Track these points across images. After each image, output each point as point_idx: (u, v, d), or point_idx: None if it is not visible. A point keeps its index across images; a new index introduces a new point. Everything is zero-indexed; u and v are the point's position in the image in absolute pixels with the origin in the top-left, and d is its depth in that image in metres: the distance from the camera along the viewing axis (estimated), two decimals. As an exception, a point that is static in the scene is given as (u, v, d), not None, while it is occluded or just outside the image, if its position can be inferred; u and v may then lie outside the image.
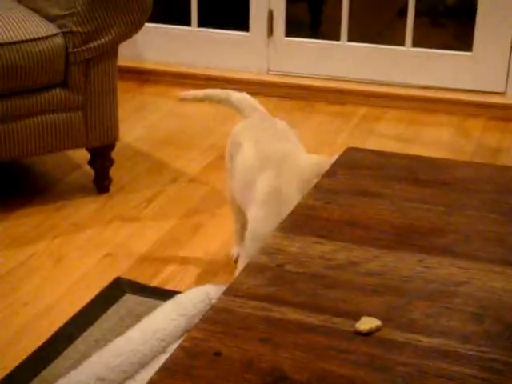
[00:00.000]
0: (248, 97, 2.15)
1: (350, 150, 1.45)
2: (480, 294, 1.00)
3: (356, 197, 1.26)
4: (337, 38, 3.37)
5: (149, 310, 1.82)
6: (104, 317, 1.87)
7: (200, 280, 2.03)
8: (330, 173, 1.35)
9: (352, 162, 1.39)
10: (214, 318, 0.94)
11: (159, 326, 1.69)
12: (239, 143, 1.94)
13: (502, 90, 3.17)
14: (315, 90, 3.33)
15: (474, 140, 2.97)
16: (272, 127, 1.98)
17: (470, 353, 0.89)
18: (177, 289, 1.98)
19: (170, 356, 0.86)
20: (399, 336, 0.91)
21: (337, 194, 1.27)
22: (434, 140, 2.98)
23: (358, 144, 2.84)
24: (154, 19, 3.33)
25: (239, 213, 2.04)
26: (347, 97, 3.30)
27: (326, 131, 3.06)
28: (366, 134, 3.04)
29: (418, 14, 3.29)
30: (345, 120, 3.17)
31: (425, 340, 0.90)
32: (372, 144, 2.92)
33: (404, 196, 1.26)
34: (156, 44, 3.56)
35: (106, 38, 2.31)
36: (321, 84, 3.34)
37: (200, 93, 2.25)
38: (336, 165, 1.38)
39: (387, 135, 3.04)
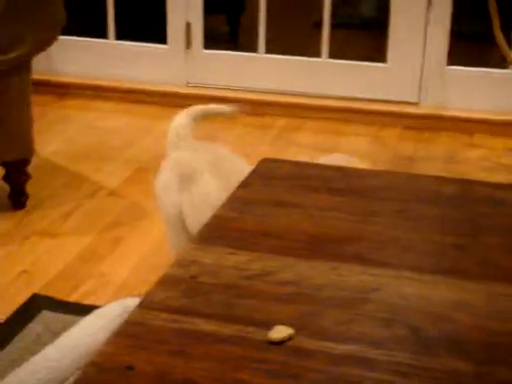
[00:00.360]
0: (183, 124, 2.06)
1: (265, 161, 1.46)
2: (391, 300, 1.02)
3: (270, 207, 1.27)
4: (256, 49, 3.40)
5: (67, 326, 1.79)
6: (20, 335, 1.83)
7: (120, 294, 2.02)
8: (245, 184, 1.36)
9: (267, 173, 1.41)
10: (126, 332, 0.93)
11: (77, 342, 1.66)
12: (194, 175, 1.88)
13: (415, 100, 3.25)
14: (234, 101, 3.34)
15: (389, 149, 3.04)
16: (224, 155, 1.95)
17: (381, 358, 0.90)
18: (96, 303, 1.95)
19: (81, 372, 0.85)
20: (311, 344, 0.92)
21: (251, 204, 1.28)
22: (352, 149, 3.04)
23: (278, 155, 2.87)
24: (71, 32, 3.30)
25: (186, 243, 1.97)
26: (266, 108, 3.32)
27: (247, 143, 3.08)
28: (285, 144, 3.08)
29: (335, 25, 3.35)
30: (265, 131, 3.19)
31: (336, 347, 0.91)
32: (292, 154, 2.95)
33: (317, 205, 1.27)
34: (74, 57, 3.53)
35: (18, 52, 2.28)
36: (240, 96, 3.36)
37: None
38: (251, 176, 1.39)
39: (306, 145, 3.08)
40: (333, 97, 3.31)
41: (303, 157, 2.10)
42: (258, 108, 3.32)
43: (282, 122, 3.27)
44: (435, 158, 2.95)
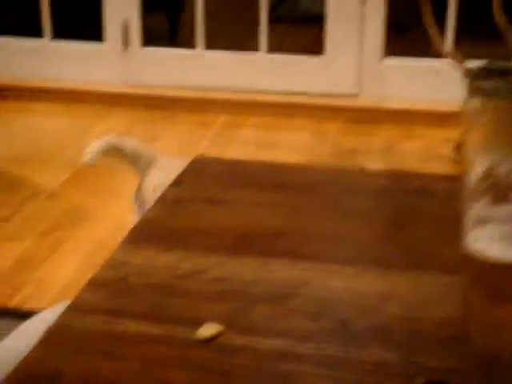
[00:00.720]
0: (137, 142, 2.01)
1: (196, 159, 1.46)
2: (319, 294, 1.03)
3: (202, 205, 1.27)
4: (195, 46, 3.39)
5: (6, 333, 1.77)
6: (-42, 343, 1.80)
7: (59, 298, 2.00)
8: (177, 182, 1.35)
9: (198, 171, 1.41)
10: (54, 336, 0.92)
11: (13, 350, 1.64)
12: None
13: (354, 92, 3.28)
14: (175, 99, 3.34)
15: (330, 142, 3.06)
16: None
17: (309, 351, 0.91)
18: (35, 308, 1.93)
19: (5, 380, 0.84)
20: (240, 340, 0.92)
21: (183, 203, 1.28)
22: (294, 144, 3.05)
23: (220, 152, 2.87)
24: (5, 32, 3.26)
25: None
26: (207, 105, 3.32)
27: (188, 140, 3.07)
28: (227, 141, 3.08)
29: (275, 20, 3.36)
30: (206, 128, 3.19)
31: (265, 342, 0.92)
32: (234, 151, 2.96)
33: (249, 202, 1.28)
34: (9, 58, 3.48)
35: None
36: (180, 94, 3.35)
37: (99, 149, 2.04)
38: (183, 174, 1.39)
39: (248, 142, 3.09)
40: (273, 92, 3.32)
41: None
42: (198, 105, 3.32)
43: (223, 118, 3.27)
44: (375, 150, 2.98)
